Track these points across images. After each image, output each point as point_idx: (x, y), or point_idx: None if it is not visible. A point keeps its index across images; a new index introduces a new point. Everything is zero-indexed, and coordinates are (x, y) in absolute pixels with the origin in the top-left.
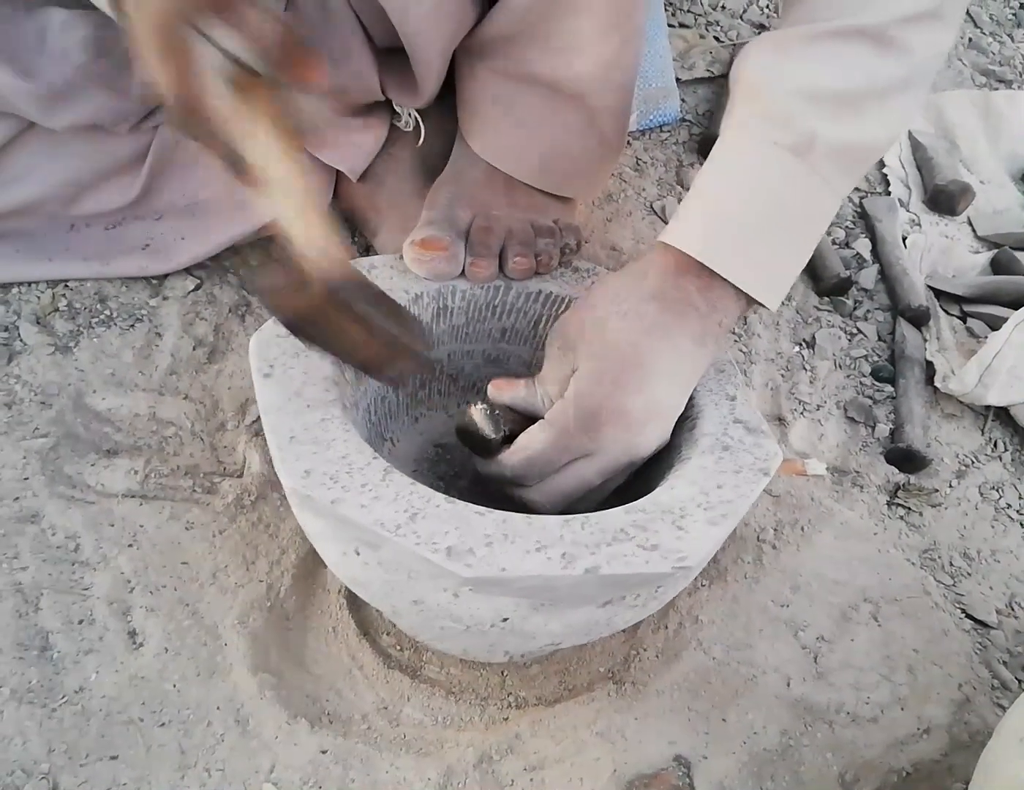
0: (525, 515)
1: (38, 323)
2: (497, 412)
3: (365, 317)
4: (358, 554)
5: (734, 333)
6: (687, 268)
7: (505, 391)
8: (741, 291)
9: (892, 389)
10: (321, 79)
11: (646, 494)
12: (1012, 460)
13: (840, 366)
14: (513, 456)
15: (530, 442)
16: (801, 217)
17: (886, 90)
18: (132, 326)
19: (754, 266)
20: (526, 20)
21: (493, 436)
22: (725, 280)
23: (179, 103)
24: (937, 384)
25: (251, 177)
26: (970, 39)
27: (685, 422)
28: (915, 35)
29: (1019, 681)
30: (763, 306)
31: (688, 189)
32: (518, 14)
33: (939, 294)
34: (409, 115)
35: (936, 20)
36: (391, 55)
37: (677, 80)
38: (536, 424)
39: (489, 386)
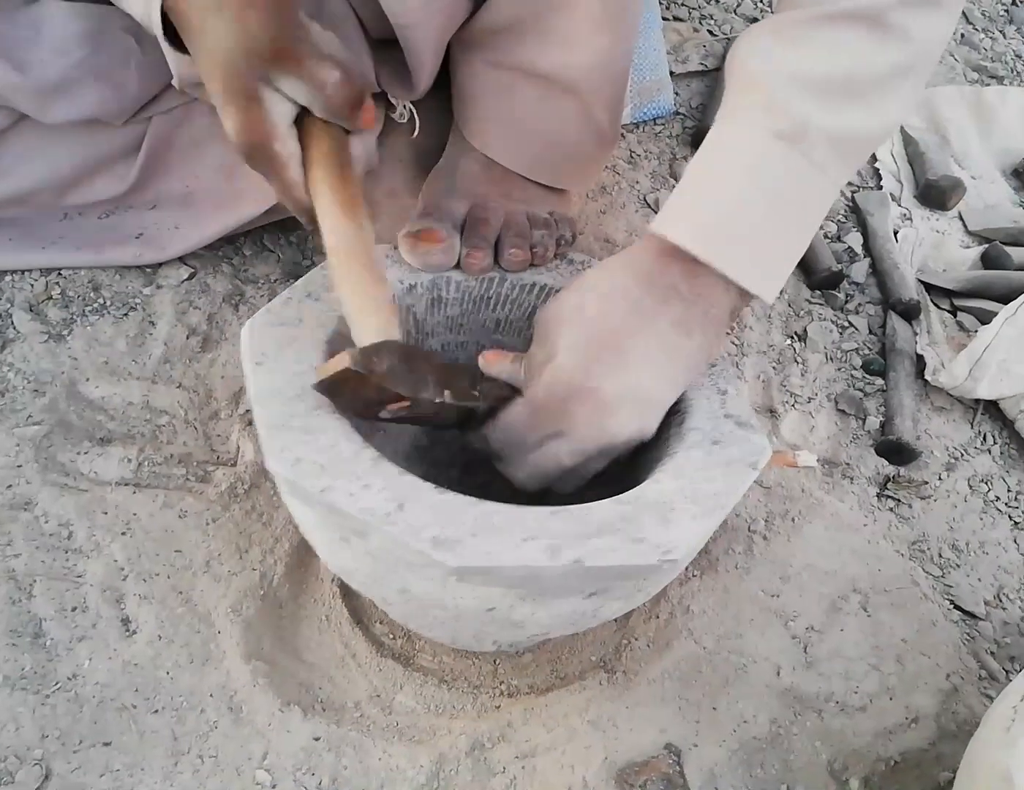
0: (513, 506)
1: (31, 311)
2: (479, 384)
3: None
4: (346, 543)
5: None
6: (672, 255)
7: (494, 364)
8: (731, 281)
9: (883, 382)
10: (373, 124)
11: (636, 487)
12: (1001, 453)
13: (831, 359)
14: (494, 431)
15: (505, 416)
16: (795, 206)
17: (883, 76)
18: (126, 315)
19: (744, 255)
20: (521, 12)
21: (474, 406)
22: (712, 268)
23: (249, 147)
24: (927, 377)
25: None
26: (962, 35)
27: (675, 416)
28: (913, 20)
29: (1006, 671)
30: (757, 298)
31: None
32: (513, 6)
33: (930, 288)
34: (404, 107)
35: (933, 5)
36: (385, 47)
37: (671, 73)
38: (515, 400)
39: (480, 357)
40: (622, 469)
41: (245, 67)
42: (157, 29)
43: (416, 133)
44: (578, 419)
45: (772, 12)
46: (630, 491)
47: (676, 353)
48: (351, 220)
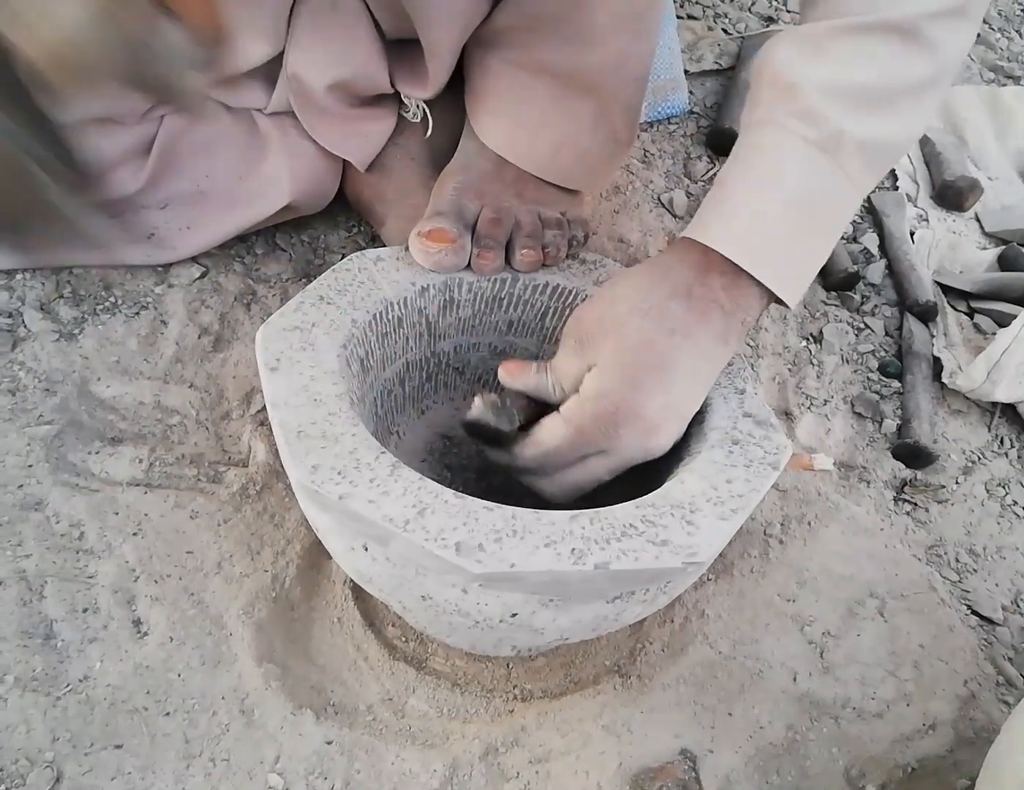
0: (534, 510)
1: (42, 310)
2: (507, 403)
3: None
4: (366, 549)
5: None
6: (713, 265)
7: (517, 377)
8: (764, 288)
9: (899, 384)
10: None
11: (655, 486)
12: (1019, 457)
13: (847, 361)
14: (528, 449)
15: (546, 437)
16: (826, 214)
17: (913, 87)
18: (137, 314)
19: (779, 263)
20: (541, 10)
21: (509, 429)
22: (751, 277)
23: None
24: (944, 380)
25: None
26: (978, 34)
27: (694, 415)
28: (942, 32)
29: None
30: (783, 304)
31: (696, 181)
32: (533, 5)
33: (946, 290)
34: (417, 107)
35: (962, 17)
36: (399, 46)
37: (685, 72)
38: (550, 417)
39: (500, 369)
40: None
41: None
42: None
43: (429, 133)
44: (623, 439)
45: (787, 11)
46: (652, 493)
47: (714, 362)
48: None
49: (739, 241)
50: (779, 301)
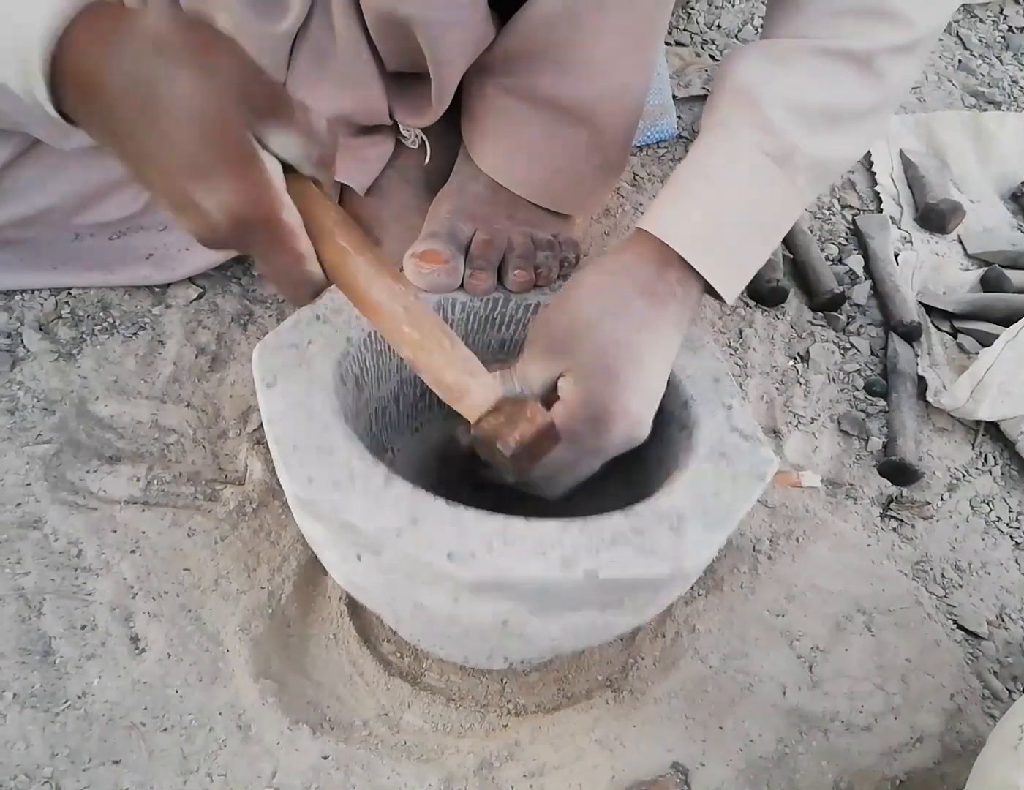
0: (525, 519)
1: (41, 330)
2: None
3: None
4: (359, 559)
5: (729, 346)
6: (670, 261)
7: None
8: (707, 283)
9: (885, 403)
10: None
11: (644, 499)
12: (1002, 474)
13: (834, 380)
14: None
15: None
16: (771, 222)
17: (862, 112)
18: (135, 334)
19: (727, 265)
20: (540, 40)
21: None
22: (698, 274)
23: (250, 224)
24: (929, 399)
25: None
26: (960, 61)
27: (683, 430)
28: (894, 65)
29: (1009, 691)
30: (722, 300)
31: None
32: (532, 33)
33: (930, 310)
34: (415, 135)
35: (912, 53)
36: (398, 77)
37: (673, 97)
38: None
39: None
40: (628, 472)
41: (236, 122)
42: (44, 100)
43: (428, 160)
44: (614, 436)
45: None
46: (641, 504)
47: (673, 348)
48: (404, 284)
49: (695, 242)
50: (716, 296)
